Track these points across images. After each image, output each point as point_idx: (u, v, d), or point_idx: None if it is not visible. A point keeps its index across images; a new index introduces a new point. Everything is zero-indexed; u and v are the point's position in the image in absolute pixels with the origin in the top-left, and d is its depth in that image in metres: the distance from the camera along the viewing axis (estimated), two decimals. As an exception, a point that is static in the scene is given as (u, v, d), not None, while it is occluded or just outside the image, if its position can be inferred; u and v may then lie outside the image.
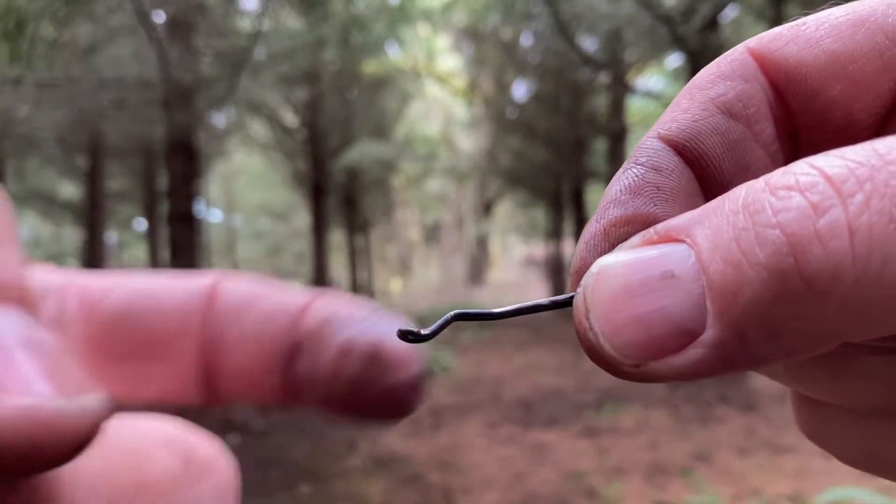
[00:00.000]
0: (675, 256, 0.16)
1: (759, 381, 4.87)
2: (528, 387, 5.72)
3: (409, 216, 21.65)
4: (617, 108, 8.63)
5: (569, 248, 12.51)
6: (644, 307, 0.16)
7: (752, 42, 0.21)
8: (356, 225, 13.42)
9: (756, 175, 0.16)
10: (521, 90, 11.57)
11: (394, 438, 4.30)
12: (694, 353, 0.16)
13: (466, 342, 8.58)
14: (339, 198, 12.36)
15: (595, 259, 0.18)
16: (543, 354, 7.52)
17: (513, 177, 11.87)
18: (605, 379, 5.84)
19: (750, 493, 3.08)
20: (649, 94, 7.79)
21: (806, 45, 0.20)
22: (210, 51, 5.36)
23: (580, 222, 10.84)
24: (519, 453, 3.89)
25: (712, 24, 5.00)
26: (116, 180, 12.79)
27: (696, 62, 5.10)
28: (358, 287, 14.13)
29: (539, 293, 15.21)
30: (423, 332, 0.20)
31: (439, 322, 0.20)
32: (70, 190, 12.89)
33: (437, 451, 4.02)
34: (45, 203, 12.40)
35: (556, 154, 10.37)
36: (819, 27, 0.20)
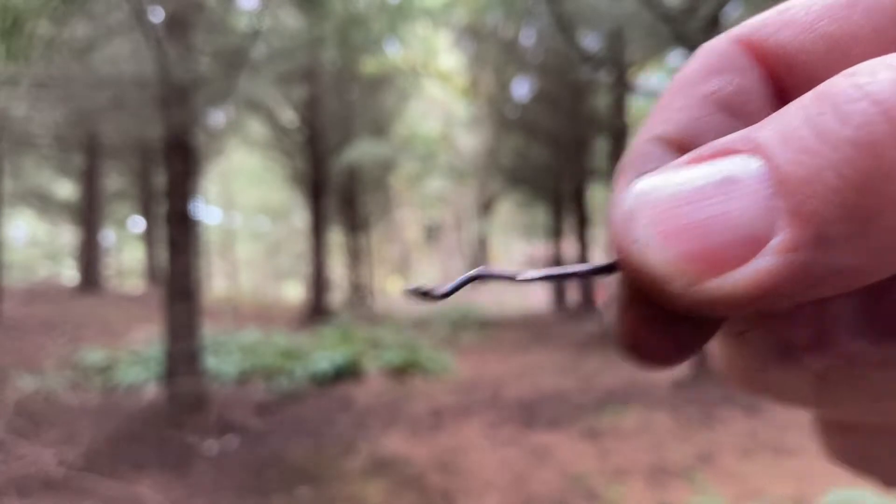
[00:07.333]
0: (734, 165, 0.14)
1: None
2: (529, 388, 5.69)
3: (409, 216, 21.63)
4: (618, 106, 8.60)
5: (569, 247, 12.48)
6: (701, 213, 0.14)
7: (739, 31, 0.19)
8: (355, 224, 13.39)
9: None
10: (521, 89, 11.55)
11: (393, 440, 4.27)
12: (761, 263, 0.13)
13: (467, 342, 8.54)
14: (338, 197, 12.34)
15: None
16: (544, 355, 7.49)
17: (513, 176, 11.85)
18: (607, 380, 5.81)
19: (752, 495, 3.04)
20: (651, 93, 7.76)
21: (801, 31, 0.17)
22: (208, 49, 5.33)
23: (581, 222, 10.83)
24: (520, 455, 3.86)
25: (714, 22, 4.96)
26: (113, 179, 12.79)
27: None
28: (357, 287, 14.10)
29: (539, 293, 15.18)
30: (439, 289, 0.18)
31: (460, 279, 0.18)
32: (67, 189, 12.87)
33: (437, 452, 3.98)
34: (42, 202, 12.38)
35: (556, 153, 10.34)
36: (808, 10, 0.17)
